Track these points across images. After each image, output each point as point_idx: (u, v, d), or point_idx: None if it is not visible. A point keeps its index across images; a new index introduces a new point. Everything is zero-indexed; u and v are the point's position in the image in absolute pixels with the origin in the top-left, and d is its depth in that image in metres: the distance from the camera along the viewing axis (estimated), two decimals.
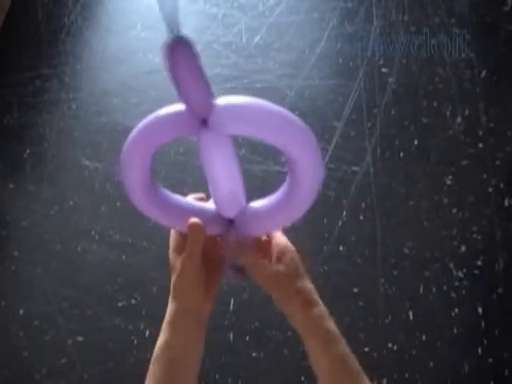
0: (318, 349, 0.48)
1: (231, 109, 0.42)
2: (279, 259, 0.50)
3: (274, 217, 0.48)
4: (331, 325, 0.48)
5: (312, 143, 0.44)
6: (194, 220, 0.48)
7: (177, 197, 0.51)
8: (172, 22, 0.38)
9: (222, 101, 0.43)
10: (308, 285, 0.50)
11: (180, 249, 0.50)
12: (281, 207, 0.48)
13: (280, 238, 0.53)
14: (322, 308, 0.49)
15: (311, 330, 0.49)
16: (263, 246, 0.53)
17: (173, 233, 0.52)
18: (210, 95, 0.42)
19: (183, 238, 0.51)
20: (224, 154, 0.45)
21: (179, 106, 0.44)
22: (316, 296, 0.50)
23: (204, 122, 0.43)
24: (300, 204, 0.47)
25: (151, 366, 0.47)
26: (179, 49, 0.39)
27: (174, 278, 0.49)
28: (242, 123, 0.42)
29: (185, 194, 0.53)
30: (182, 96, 0.42)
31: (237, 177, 0.47)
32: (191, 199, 0.53)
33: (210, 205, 0.51)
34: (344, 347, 0.47)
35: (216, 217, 0.50)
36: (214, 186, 0.48)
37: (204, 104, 0.42)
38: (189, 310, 0.49)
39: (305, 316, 0.48)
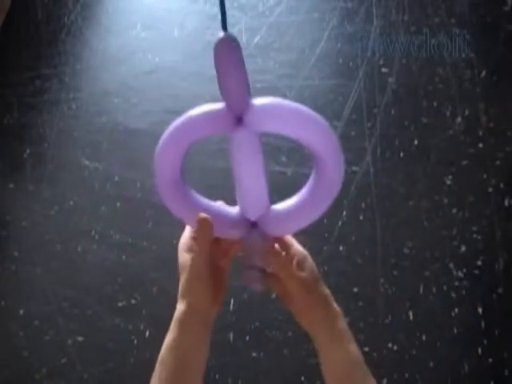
0: (334, 345, 0.49)
1: (266, 107, 0.45)
2: (300, 267, 0.52)
3: (297, 217, 0.50)
4: (346, 326, 0.51)
5: (336, 144, 0.47)
6: (203, 215, 0.48)
7: (203, 199, 0.52)
8: (223, 21, 0.43)
9: (258, 100, 0.46)
10: (326, 289, 0.53)
11: (189, 248, 0.51)
12: (303, 207, 0.50)
13: (297, 246, 0.55)
14: (339, 309, 0.52)
15: (328, 330, 0.50)
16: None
17: (184, 234, 0.53)
18: (249, 94, 0.45)
19: (193, 237, 0.51)
20: (254, 153, 0.47)
21: (217, 104, 0.46)
22: (333, 299, 0.53)
23: (239, 121, 0.45)
24: (322, 202, 0.49)
25: (157, 367, 0.48)
26: (227, 45, 0.44)
27: (183, 276, 0.50)
28: (276, 121, 0.45)
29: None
30: (224, 90, 0.45)
31: (263, 177, 0.49)
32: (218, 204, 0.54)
33: (233, 209, 0.52)
34: (357, 348, 0.50)
35: (239, 220, 0.51)
36: (240, 185, 0.49)
37: (242, 101, 0.45)
38: (197, 311, 0.49)
39: (325, 315, 0.51)
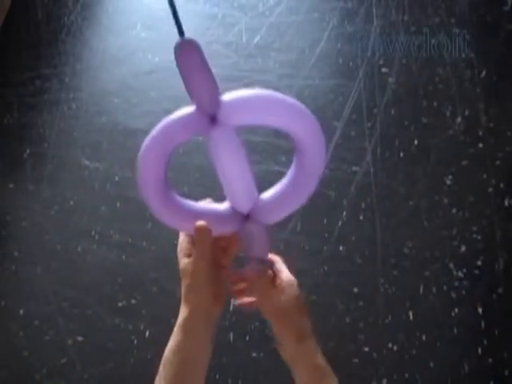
0: (307, 382, 0.50)
1: (238, 101, 0.46)
2: (281, 291, 0.52)
3: (286, 202, 0.51)
4: (322, 360, 0.50)
5: (316, 126, 0.47)
6: (200, 223, 0.49)
7: (189, 201, 0.52)
8: (179, 26, 0.43)
9: (228, 95, 0.46)
10: (305, 321, 0.52)
11: (189, 252, 0.51)
12: (290, 191, 0.50)
13: (287, 273, 0.55)
14: (314, 343, 0.51)
15: (302, 363, 0.50)
16: (271, 279, 0.54)
17: (181, 237, 0.53)
18: (218, 92, 0.45)
19: (191, 241, 0.52)
20: (234, 148, 0.47)
21: (189, 108, 0.47)
22: (310, 332, 0.51)
23: (213, 120, 0.46)
24: (309, 184, 0.49)
25: (161, 368, 0.48)
26: (185, 49, 0.44)
27: (185, 281, 0.50)
28: (250, 113, 0.46)
29: (184, 194, 0.53)
30: (191, 94, 0.45)
31: (248, 170, 0.49)
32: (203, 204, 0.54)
33: (222, 205, 0.52)
34: (333, 383, 0.49)
35: (231, 215, 0.51)
36: (227, 182, 0.49)
37: (212, 100, 0.45)
38: (201, 312, 0.50)
39: (296, 350, 0.50)
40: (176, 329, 0.50)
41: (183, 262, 0.51)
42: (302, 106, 0.47)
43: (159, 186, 0.49)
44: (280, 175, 0.53)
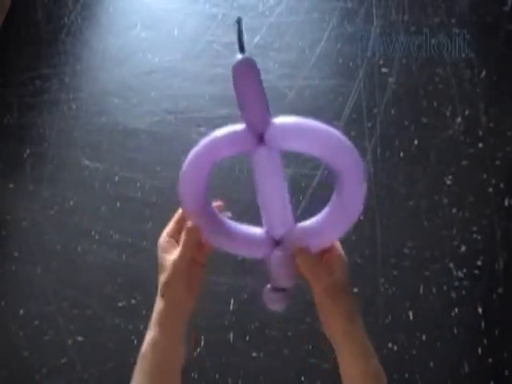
0: (355, 359, 0.51)
1: (286, 125, 0.47)
2: (331, 269, 0.52)
3: (321, 235, 0.50)
4: (368, 340, 0.52)
5: (358, 161, 0.47)
6: (192, 224, 0.51)
7: (224, 218, 0.53)
8: (242, 45, 0.45)
9: (278, 119, 0.48)
10: (354, 300, 0.52)
11: (170, 249, 0.53)
12: (327, 225, 0.50)
13: (338, 250, 0.54)
14: (362, 323, 0.52)
15: (351, 341, 0.51)
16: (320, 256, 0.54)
17: (163, 234, 0.55)
18: (268, 113, 0.47)
19: (173, 238, 0.54)
20: (276, 170, 0.48)
21: (238, 126, 0.48)
22: (359, 311, 0.52)
23: (260, 139, 0.47)
24: (346, 221, 0.49)
25: (139, 362, 0.50)
26: (246, 69, 0.46)
27: (163, 276, 0.52)
28: (295, 139, 0.47)
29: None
30: (244, 111, 0.47)
31: (286, 195, 0.50)
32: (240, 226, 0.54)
33: (258, 229, 0.53)
34: (378, 364, 0.51)
35: (264, 239, 0.52)
36: (264, 203, 0.50)
37: (262, 119, 0.47)
38: (176, 307, 0.52)
39: (347, 329, 0.51)
40: (152, 322, 0.51)
41: (164, 257, 0.53)
42: (348, 142, 0.48)
43: (199, 195, 0.51)
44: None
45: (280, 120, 0.47)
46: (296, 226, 0.51)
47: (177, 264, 0.51)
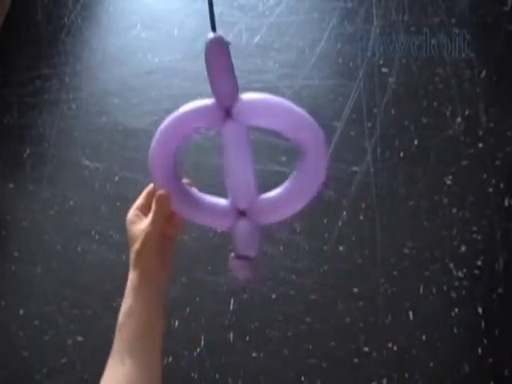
0: None
1: (252, 101, 0.50)
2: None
3: (284, 205, 0.53)
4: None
5: (319, 135, 0.50)
6: (161, 192, 0.52)
7: (194, 189, 0.56)
8: (213, 23, 0.48)
9: (245, 95, 0.50)
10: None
11: (139, 222, 0.54)
12: (289, 195, 0.52)
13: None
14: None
15: None
16: None
17: (133, 207, 0.56)
18: (237, 89, 0.50)
19: (144, 213, 0.55)
20: (243, 144, 0.51)
21: (206, 100, 0.51)
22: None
23: (228, 114, 0.50)
24: (307, 191, 0.52)
25: (117, 333, 0.50)
26: (216, 46, 0.48)
27: (135, 246, 0.53)
28: (261, 115, 0.50)
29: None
30: (213, 86, 0.49)
31: (251, 168, 0.53)
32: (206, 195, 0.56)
33: (221, 200, 0.55)
34: None
35: (228, 210, 0.54)
36: (230, 175, 0.52)
37: (230, 95, 0.49)
38: (149, 276, 0.52)
39: None
40: (126, 293, 0.52)
41: (133, 228, 0.54)
42: (310, 118, 0.50)
43: (169, 168, 0.53)
44: (280, 175, 0.53)
45: (247, 96, 0.50)
46: (259, 197, 0.53)
47: (148, 231, 0.52)
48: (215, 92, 0.50)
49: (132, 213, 0.56)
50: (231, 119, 0.50)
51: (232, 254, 0.54)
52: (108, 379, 0.49)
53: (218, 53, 0.48)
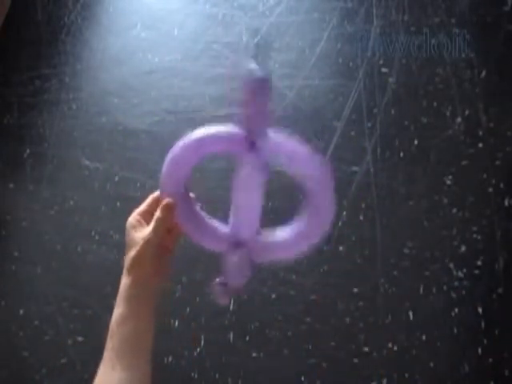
0: None
1: (279, 142, 0.51)
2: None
3: (284, 247, 0.53)
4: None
5: (330, 190, 0.51)
6: (168, 201, 0.52)
7: (198, 208, 0.55)
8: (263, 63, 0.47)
9: (272, 132, 0.51)
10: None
11: (139, 228, 0.53)
12: (292, 239, 0.52)
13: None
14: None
15: None
16: None
17: (133, 214, 0.56)
18: (267, 123, 0.50)
19: (146, 220, 0.54)
20: (258, 178, 0.51)
21: (233, 128, 0.51)
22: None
23: (253, 146, 0.50)
24: (310, 239, 0.52)
25: (108, 340, 0.51)
26: (262, 86, 0.49)
27: (131, 253, 0.52)
28: (284, 157, 0.51)
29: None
30: (247, 119, 0.50)
31: (260, 203, 0.52)
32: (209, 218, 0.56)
33: (223, 225, 0.55)
34: None
35: (227, 237, 0.54)
36: (238, 206, 0.52)
37: (262, 131, 0.50)
38: (142, 285, 0.52)
39: None
40: (118, 299, 0.52)
41: (133, 234, 0.53)
42: (327, 169, 0.51)
43: (179, 184, 0.53)
44: (279, 175, 0.53)
45: (273, 134, 0.50)
46: (261, 234, 0.53)
47: (147, 239, 0.51)
48: (247, 124, 0.50)
49: (134, 217, 0.56)
50: (255, 152, 0.50)
51: (217, 279, 0.54)
52: None
53: (261, 91, 0.49)
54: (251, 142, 0.50)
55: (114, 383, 0.48)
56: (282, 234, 0.53)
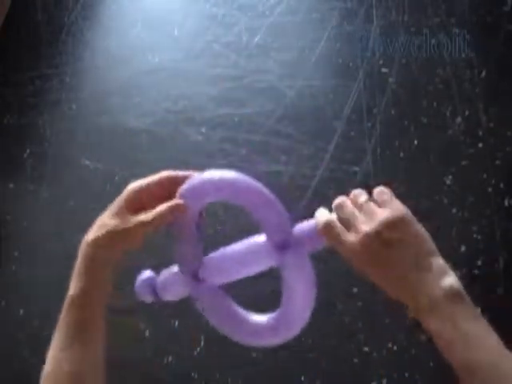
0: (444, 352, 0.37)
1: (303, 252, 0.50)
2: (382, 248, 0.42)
3: (260, 333, 0.52)
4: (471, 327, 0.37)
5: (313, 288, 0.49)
6: (180, 201, 0.46)
7: (193, 226, 0.52)
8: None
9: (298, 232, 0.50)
10: (425, 283, 0.40)
11: (135, 211, 0.49)
12: (268, 326, 0.51)
13: (388, 214, 0.42)
14: (450, 310, 0.39)
15: (438, 340, 0.39)
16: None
17: (142, 183, 0.51)
18: (291, 225, 0.50)
19: (145, 200, 0.49)
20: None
21: (261, 237, 0.49)
22: (441, 297, 0.39)
23: (282, 248, 0.48)
24: (291, 325, 0.49)
25: (59, 322, 0.48)
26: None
27: (114, 221, 0.48)
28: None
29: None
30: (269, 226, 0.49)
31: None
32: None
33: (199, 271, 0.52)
34: (486, 355, 0.36)
35: (193, 272, 0.51)
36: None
37: (285, 234, 0.49)
38: (109, 260, 0.49)
39: (425, 322, 0.39)
40: (75, 273, 0.49)
41: (124, 215, 0.48)
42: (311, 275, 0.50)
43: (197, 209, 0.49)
44: (279, 174, 0.53)
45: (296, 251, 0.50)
46: (236, 310, 0.53)
47: (140, 227, 0.47)
48: (268, 229, 0.49)
49: (137, 187, 0.51)
50: (286, 253, 0.49)
51: (149, 275, 0.54)
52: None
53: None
54: (278, 245, 0.49)
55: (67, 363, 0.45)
56: (262, 322, 0.52)
